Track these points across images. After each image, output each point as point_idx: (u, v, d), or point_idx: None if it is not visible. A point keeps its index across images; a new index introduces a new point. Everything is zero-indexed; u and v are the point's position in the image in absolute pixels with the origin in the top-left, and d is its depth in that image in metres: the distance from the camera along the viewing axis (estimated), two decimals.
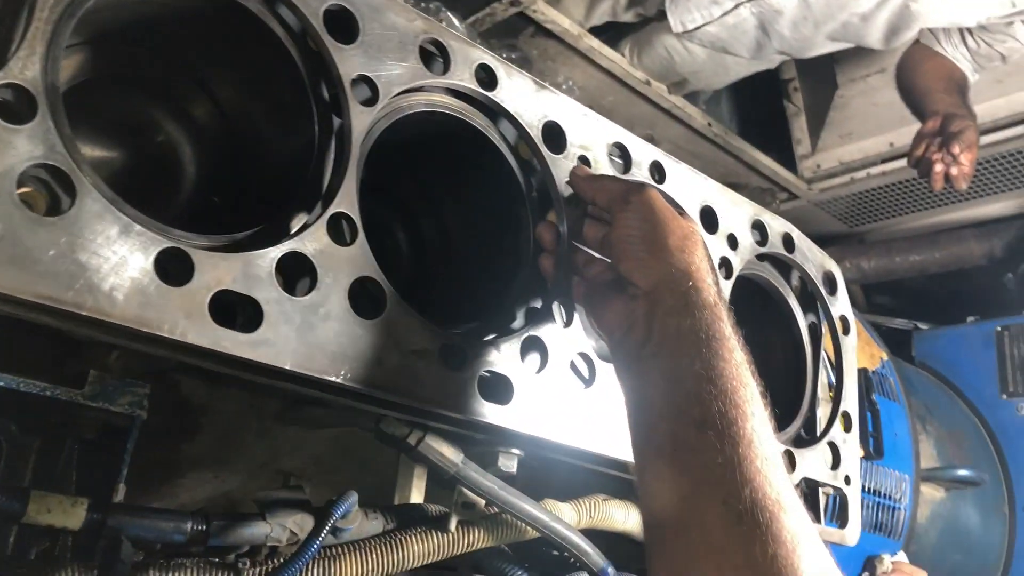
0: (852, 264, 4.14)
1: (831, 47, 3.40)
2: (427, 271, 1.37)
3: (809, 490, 1.63)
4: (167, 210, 0.95)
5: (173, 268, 0.92)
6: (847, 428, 1.70)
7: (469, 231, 1.35)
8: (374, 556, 1.19)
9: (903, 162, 3.96)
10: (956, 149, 2.56)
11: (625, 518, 1.45)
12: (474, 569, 1.36)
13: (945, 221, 4.17)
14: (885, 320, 3.56)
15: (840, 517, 1.67)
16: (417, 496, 1.39)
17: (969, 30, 3.06)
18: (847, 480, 1.66)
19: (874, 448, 2.22)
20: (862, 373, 2.34)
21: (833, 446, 1.65)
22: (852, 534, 1.68)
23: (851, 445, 1.69)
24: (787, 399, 1.68)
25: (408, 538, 1.22)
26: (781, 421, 1.64)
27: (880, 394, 2.40)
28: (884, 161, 4.05)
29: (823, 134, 4.27)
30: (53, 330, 1.02)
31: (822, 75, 4.28)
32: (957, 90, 3.02)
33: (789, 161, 4.22)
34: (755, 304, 1.71)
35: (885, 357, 2.58)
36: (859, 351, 2.47)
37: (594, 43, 3.24)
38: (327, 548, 1.18)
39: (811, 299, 1.75)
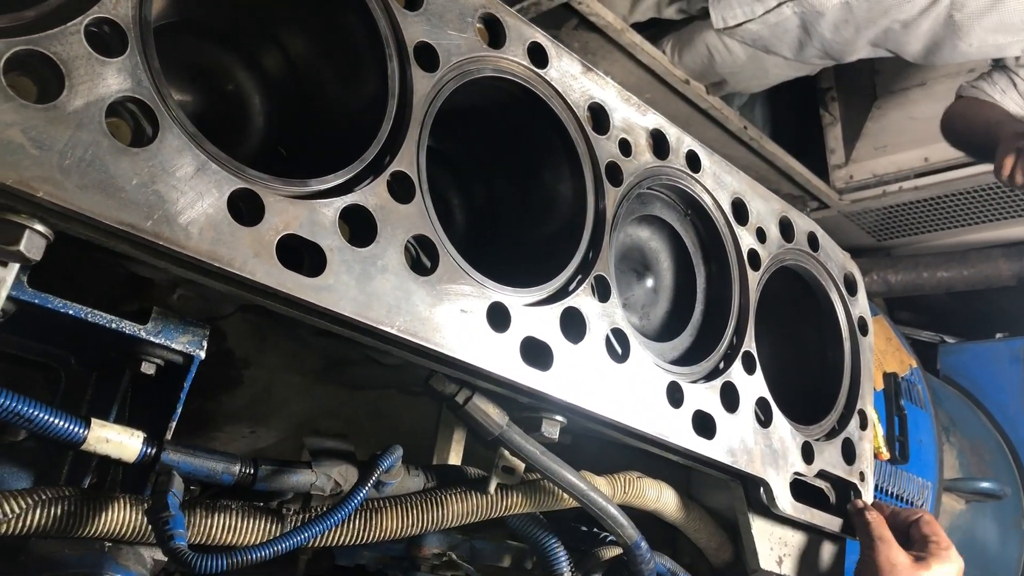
0: (879, 277, 4.13)
1: (871, 53, 3.39)
2: (480, 235, 1.38)
3: (826, 483, 1.64)
4: (234, 157, 0.96)
5: (245, 208, 0.94)
6: (863, 426, 1.71)
7: (521, 199, 1.37)
8: (414, 512, 1.21)
9: (937, 177, 3.96)
10: None
11: (658, 496, 1.46)
12: (509, 535, 1.38)
13: (973, 240, 4.15)
14: (912, 332, 3.55)
15: None
16: (455, 459, 1.40)
17: (1013, 73, 3.07)
18: (861, 476, 1.67)
19: (900, 452, 2.21)
20: (892, 378, 2.33)
21: (849, 442, 1.66)
22: None
23: (866, 443, 1.70)
24: (825, 391, 1.69)
25: (448, 497, 1.23)
26: (817, 413, 1.65)
27: (908, 400, 2.39)
28: (918, 176, 4.03)
29: (858, 145, 4.26)
30: (118, 268, 1.05)
31: (860, 86, 4.27)
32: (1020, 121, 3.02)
33: (821, 170, 4.21)
34: (797, 295, 1.72)
35: (914, 365, 2.57)
36: (890, 356, 2.48)
37: (636, 39, 3.24)
38: (369, 501, 1.20)
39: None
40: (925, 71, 4.02)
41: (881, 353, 2.42)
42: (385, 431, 1.66)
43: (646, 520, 1.52)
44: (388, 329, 1.01)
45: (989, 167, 2.96)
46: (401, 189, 1.06)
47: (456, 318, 1.08)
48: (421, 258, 1.09)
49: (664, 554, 1.47)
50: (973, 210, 3.99)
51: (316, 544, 1.17)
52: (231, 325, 1.42)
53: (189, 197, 0.88)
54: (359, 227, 1.03)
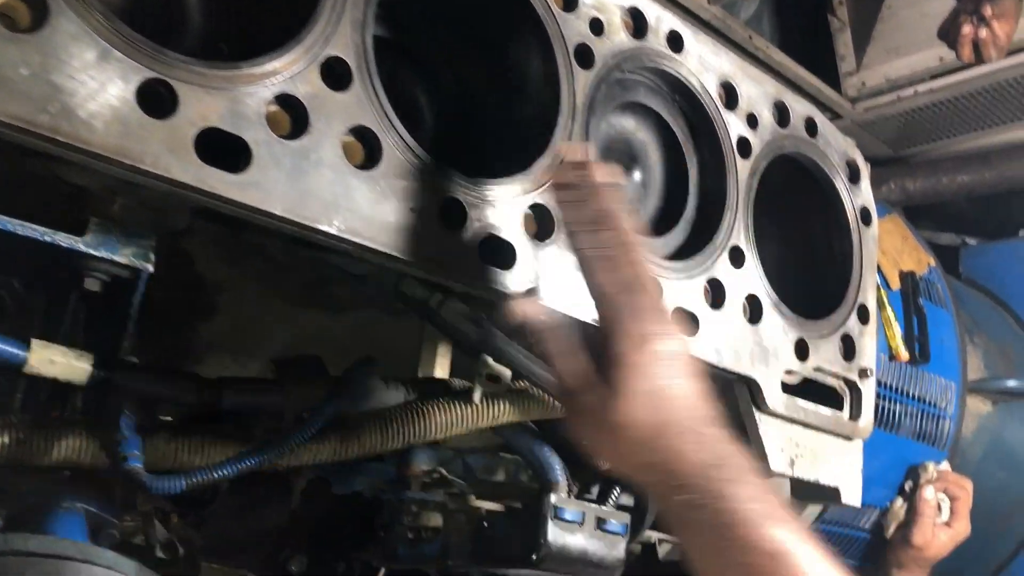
0: (896, 185, 3.97)
1: None
2: (447, 131, 1.30)
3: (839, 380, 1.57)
4: None
5: (157, 100, 0.87)
6: (863, 321, 1.61)
7: (492, 88, 1.28)
8: (394, 425, 1.15)
9: (953, 78, 3.76)
10: (988, 11, 2.37)
11: None
12: (500, 447, 1.33)
13: (995, 143, 3.97)
14: (932, 236, 3.41)
15: (853, 409, 1.60)
16: (441, 373, 1.34)
17: None
18: (862, 373, 1.58)
19: (920, 352, 2.12)
20: (909, 276, 2.24)
21: (848, 338, 1.57)
22: (864, 428, 1.60)
23: (867, 338, 1.61)
24: (831, 287, 1.61)
25: (430, 408, 1.17)
26: (822, 310, 1.56)
27: (927, 299, 2.29)
28: (933, 77, 3.83)
29: (869, 49, 4.07)
30: (56, 184, 0.98)
31: None
32: None
33: (833, 80, 4.05)
34: (798, 186, 1.63)
35: (933, 263, 2.46)
36: (907, 255, 2.38)
37: None
38: (346, 416, 1.15)
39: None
40: None
41: (897, 252, 2.31)
42: (378, 356, 1.61)
43: None
44: (326, 228, 0.95)
45: (1009, 62, 2.80)
46: (336, 76, 0.98)
47: (405, 216, 1.01)
48: (362, 150, 1.02)
49: None
50: (993, 110, 3.80)
51: (289, 463, 1.12)
52: (198, 248, 1.36)
53: (90, 88, 0.81)
54: (291, 118, 0.96)
